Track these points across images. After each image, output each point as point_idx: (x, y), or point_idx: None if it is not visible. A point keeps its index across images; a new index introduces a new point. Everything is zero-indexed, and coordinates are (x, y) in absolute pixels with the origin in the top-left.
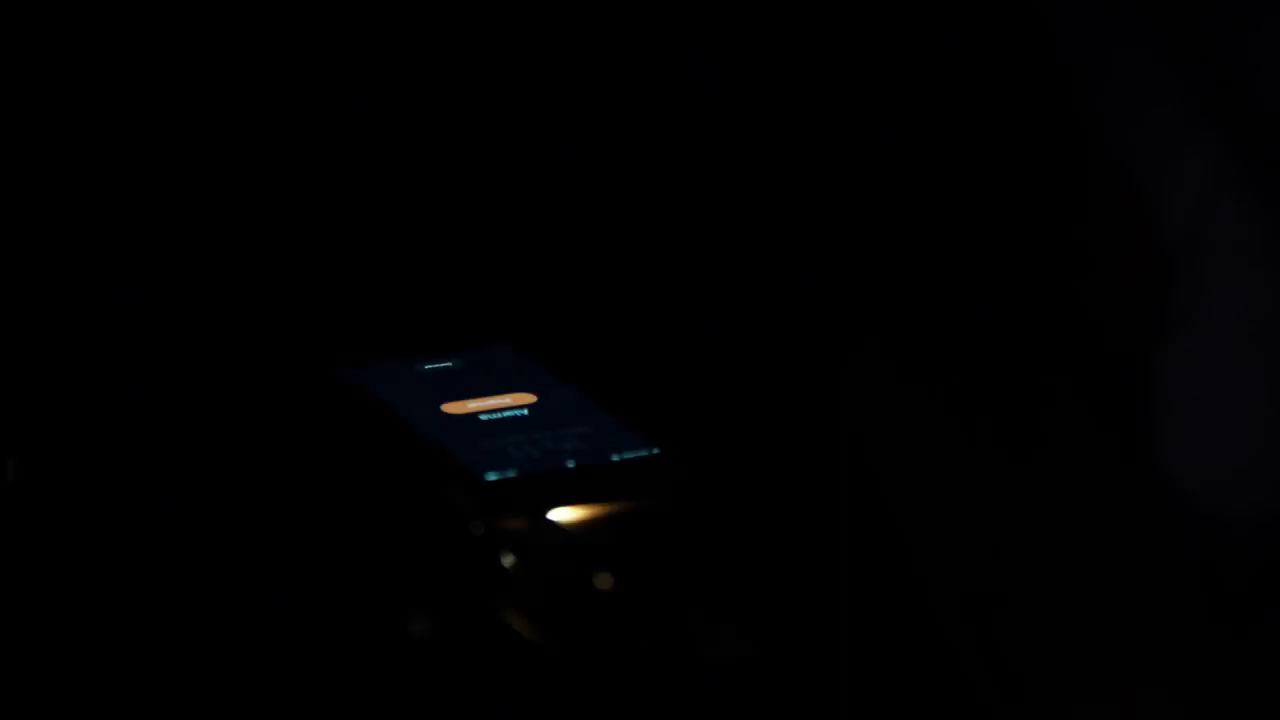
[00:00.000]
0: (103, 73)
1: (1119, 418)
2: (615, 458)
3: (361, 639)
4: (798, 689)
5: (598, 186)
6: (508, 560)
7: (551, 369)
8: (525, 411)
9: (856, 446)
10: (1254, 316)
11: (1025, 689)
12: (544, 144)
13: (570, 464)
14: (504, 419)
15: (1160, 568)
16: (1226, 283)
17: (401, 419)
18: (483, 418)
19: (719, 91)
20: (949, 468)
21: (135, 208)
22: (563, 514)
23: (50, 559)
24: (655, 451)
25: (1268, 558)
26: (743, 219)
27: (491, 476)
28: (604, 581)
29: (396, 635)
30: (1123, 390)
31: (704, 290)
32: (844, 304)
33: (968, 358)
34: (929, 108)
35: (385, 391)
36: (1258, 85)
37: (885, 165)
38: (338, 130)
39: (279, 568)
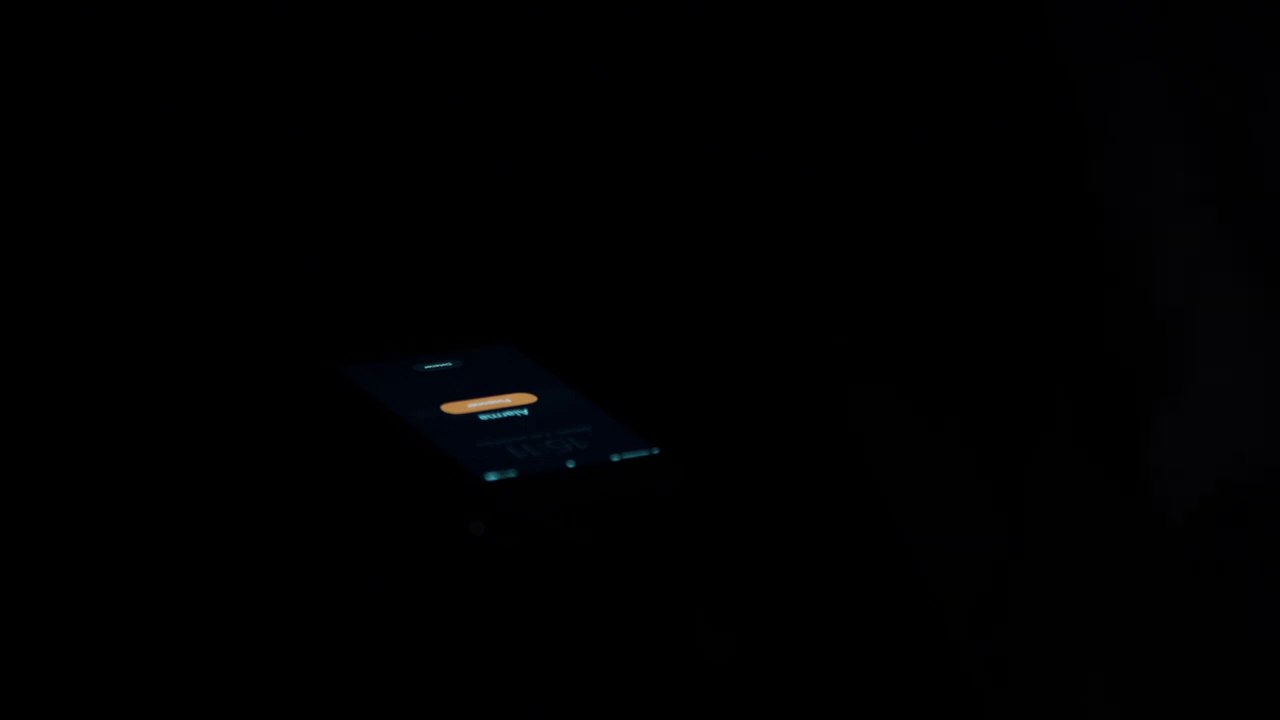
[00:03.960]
0: (106, 72)
1: (1119, 421)
2: (615, 458)
3: (361, 638)
4: (797, 689)
5: (598, 187)
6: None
7: (551, 369)
8: (525, 411)
9: (856, 446)
10: (1255, 319)
11: (1025, 688)
12: (543, 144)
13: (570, 464)
14: (504, 419)
15: (1158, 569)
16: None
17: (401, 419)
18: (483, 418)
19: (721, 94)
20: (948, 469)
21: (136, 207)
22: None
23: (47, 557)
24: (655, 451)
25: (1263, 559)
26: (743, 219)
27: (491, 476)
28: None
29: (395, 635)
30: (1122, 394)
31: (704, 291)
32: (845, 306)
33: (967, 360)
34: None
35: (385, 391)
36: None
37: (886, 175)
38: (337, 130)
39: (279, 567)
